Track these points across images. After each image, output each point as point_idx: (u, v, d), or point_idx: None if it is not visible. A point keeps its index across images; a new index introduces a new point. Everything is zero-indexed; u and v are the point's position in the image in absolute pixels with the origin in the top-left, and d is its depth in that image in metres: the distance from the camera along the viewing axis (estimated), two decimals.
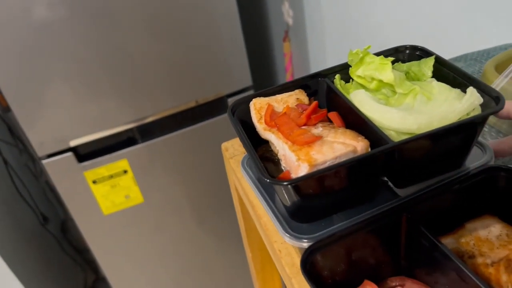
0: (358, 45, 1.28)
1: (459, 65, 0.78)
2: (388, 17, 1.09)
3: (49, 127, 1.25)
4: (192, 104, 1.39)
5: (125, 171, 1.40)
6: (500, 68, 0.62)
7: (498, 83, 0.60)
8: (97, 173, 1.37)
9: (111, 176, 1.39)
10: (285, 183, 0.38)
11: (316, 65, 1.53)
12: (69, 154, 1.30)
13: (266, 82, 2.03)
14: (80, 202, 1.40)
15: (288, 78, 1.69)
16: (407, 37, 1.04)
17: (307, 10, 1.44)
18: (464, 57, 0.79)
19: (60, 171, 1.32)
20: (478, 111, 0.43)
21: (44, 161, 1.29)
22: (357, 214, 0.44)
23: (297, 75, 1.68)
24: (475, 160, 0.47)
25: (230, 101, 1.43)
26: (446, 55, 0.81)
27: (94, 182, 1.38)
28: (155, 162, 1.43)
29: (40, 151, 1.27)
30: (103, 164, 1.36)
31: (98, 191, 1.40)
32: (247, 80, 1.43)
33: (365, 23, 1.18)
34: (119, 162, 1.38)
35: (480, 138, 0.49)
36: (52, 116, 1.24)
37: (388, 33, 1.11)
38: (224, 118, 1.44)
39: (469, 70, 0.76)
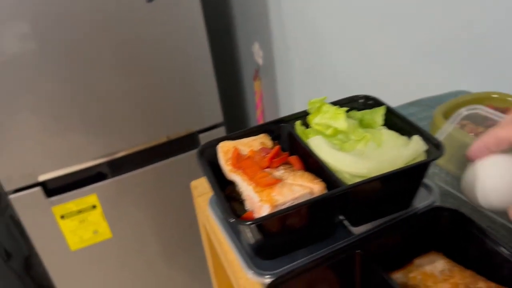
0: (322, 85, 1.35)
1: (414, 109, 0.85)
2: (349, 65, 1.16)
3: (18, 161, 1.25)
4: (163, 139, 1.41)
5: (94, 206, 1.39)
6: (448, 115, 0.68)
7: (445, 129, 0.66)
8: (65, 208, 1.36)
9: (79, 211, 1.38)
10: (248, 223, 0.42)
11: (285, 103, 1.60)
12: (37, 188, 1.29)
13: (237, 119, 2.08)
14: (47, 237, 1.38)
15: (258, 115, 1.75)
16: (369, 80, 1.11)
17: (276, 52, 1.51)
18: (418, 102, 0.86)
19: (27, 206, 1.31)
20: (422, 157, 0.48)
21: (11, 196, 1.27)
22: (317, 250, 0.48)
23: (267, 113, 1.74)
24: (422, 200, 0.51)
25: (201, 137, 1.46)
26: (404, 100, 0.88)
27: (62, 217, 1.36)
28: (124, 197, 1.44)
29: (7, 186, 1.26)
30: (72, 199, 1.35)
31: (66, 226, 1.38)
32: (219, 117, 1.46)
33: (328, 69, 1.25)
34: (88, 197, 1.37)
35: (427, 180, 0.54)
36: (21, 150, 1.24)
37: (349, 79, 1.18)
38: (194, 154, 1.46)
39: (422, 114, 0.82)
